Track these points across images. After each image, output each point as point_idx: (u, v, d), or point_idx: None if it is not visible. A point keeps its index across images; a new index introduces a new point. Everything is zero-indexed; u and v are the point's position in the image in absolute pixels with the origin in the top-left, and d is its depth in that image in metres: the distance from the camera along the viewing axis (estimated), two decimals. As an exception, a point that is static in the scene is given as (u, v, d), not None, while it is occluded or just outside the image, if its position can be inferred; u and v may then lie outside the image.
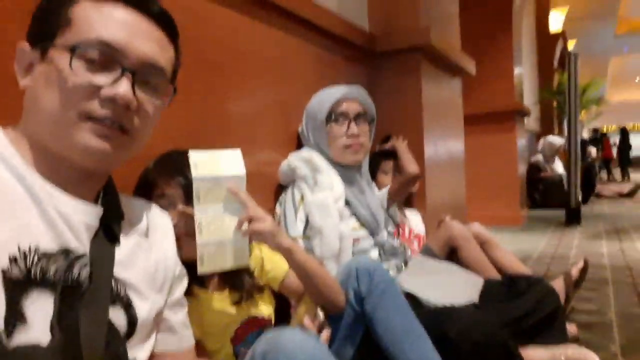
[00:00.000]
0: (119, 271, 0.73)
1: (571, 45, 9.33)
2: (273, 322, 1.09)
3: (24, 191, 0.66)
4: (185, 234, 0.96)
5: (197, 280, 1.02)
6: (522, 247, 3.42)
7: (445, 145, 2.50)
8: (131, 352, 0.74)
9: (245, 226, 0.91)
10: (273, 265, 1.09)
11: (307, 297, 0.98)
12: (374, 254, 1.52)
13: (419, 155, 2.03)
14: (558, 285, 1.74)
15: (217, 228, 0.91)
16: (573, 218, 4.49)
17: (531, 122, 6.68)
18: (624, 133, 14.19)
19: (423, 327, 1.07)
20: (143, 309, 0.76)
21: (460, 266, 1.75)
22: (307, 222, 1.40)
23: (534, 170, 5.74)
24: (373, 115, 1.60)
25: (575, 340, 1.64)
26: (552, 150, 6.02)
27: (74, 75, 0.67)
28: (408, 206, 1.99)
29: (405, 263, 1.60)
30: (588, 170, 6.41)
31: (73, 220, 0.69)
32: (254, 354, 0.79)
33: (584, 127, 13.97)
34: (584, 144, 8.69)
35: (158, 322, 0.82)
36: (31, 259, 0.63)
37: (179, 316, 0.86)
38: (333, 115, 1.51)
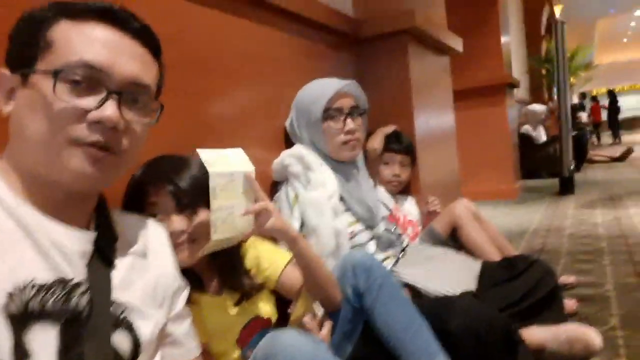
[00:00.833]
0: (117, 295, 0.73)
1: (558, 10, 9.25)
2: (275, 318, 1.10)
3: (14, 225, 0.65)
4: (188, 241, 0.96)
5: (196, 286, 1.02)
6: (518, 221, 3.45)
7: (436, 125, 2.49)
8: None
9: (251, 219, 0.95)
10: (270, 263, 1.10)
11: (304, 294, 0.99)
12: (371, 246, 1.52)
13: (410, 137, 2.02)
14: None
15: (230, 225, 0.93)
16: (567, 187, 4.53)
17: (521, 92, 6.67)
18: (612, 95, 14.21)
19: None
20: (146, 329, 0.76)
21: (457, 250, 1.77)
22: (302, 220, 1.40)
23: (524, 140, 5.75)
24: (366, 108, 1.60)
25: (574, 314, 1.67)
26: (535, 119, 6.04)
27: (58, 100, 0.66)
28: (402, 193, 1.99)
29: (403, 250, 1.61)
30: (579, 137, 6.44)
31: (67, 248, 0.69)
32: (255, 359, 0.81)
33: (574, 93, 13.97)
34: (574, 109, 8.70)
35: (162, 337, 0.83)
36: (28, 293, 0.63)
37: (182, 328, 0.87)
38: (329, 113, 1.50)
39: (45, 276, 0.65)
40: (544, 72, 8.34)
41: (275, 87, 1.65)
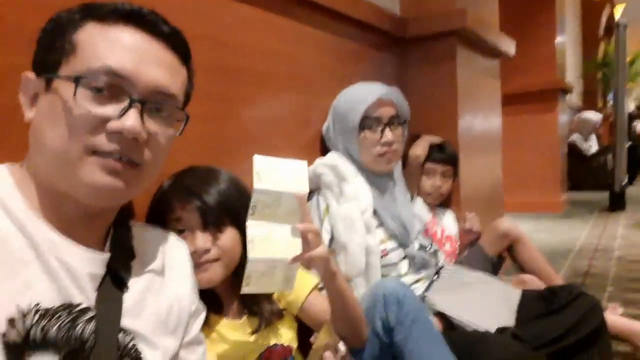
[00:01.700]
0: (127, 322, 0.69)
1: (619, 10, 8.71)
2: (296, 346, 1.04)
3: (25, 243, 0.62)
4: (211, 260, 0.91)
5: (214, 308, 0.98)
6: (562, 238, 3.27)
7: (481, 134, 2.36)
8: None
9: (298, 249, 0.84)
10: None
11: (327, 327, 0.92)
12: (404, 266, 1.44)
13: (453, 147, 1.91)
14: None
15: (270, 246, 0.83)
16: (617, 203, 4.27)
17: (573, 97, 6.32)
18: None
19: (455, 356, 1.01)
20: (154, 359, 0.71)
21: (494, 275, 1.67)
22: (332, 234, 1.34)
23: (572, 149, 5.45)
24: (407, 117, 1.50)
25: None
26: (588, 128, 5.69)
27: (78, 107, 0.62)
28: (441, 206, 1.89)
29: (437, 273, 1.52)
30: (633, 148, 6.05)
31: (77, 270, 0.65)
32: None
33: (631, 101, 13.24)
34: (630, 118, 8.21)
35: None
36: (31, 319, 0.60)
37: (195, 355, 0.82)
38: (367, 122, 1.41)
39: (52, 300, 0.62)
40: (599, 76, 7.89)
41: (313, 90, 1.58)
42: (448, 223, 1.87)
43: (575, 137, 5.65)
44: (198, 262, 0.89)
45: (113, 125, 0.63)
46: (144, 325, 0.71)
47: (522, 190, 4.18)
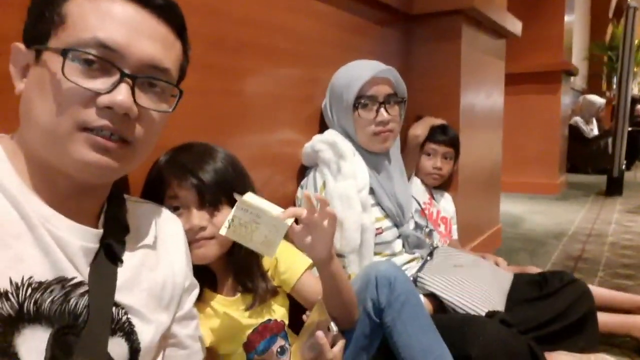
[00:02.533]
0: (120, 296, 0.69)
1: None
2: (287, 322, 1.05)
3: (17, 216, 0.61)
4: (207, 237, 0.91)
5: (208, 285, 0.98)
6: (557, 221, 3.28)
7: (483, 114, 2.34)
8: None
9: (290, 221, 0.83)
10: (287, 267, 1.04)
11: (319, 306, 0.93)
12: (398, 245, 1.45)
13: (454, 127, 1.90)
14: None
15: (247, 234, 0.82)
16: (614, 188, 4.27)
17: (578, 79, 6.25)
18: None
19: (443, 338, 1.03)
20: (147, 334, 0.72)
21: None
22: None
23: (573, 132, 5.42)
24: (404, 96, 1.47)
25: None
26: (591, 110, 5.64)
27: (67, 81, 0.60)
28: (439, 187, 1.88)
29: (431, 253, 1.53)
30: (635, 133, 6.02)
31: (70, 245, 0.64)
32: None
33: (636, 85, 13.08)
34: (634, 102, 8.14)
35: (166, 337, 0.79)
36: (24, 292, 0.59)
37: (188, 330, 0.83)
38: (361, 100, 1.39)
39: (44, 274, 0.61)
40: (605, 59, 7.78)
41: (313, 65, 1.54)
42: (445, 205, 1.87)
43: (578, 119, 5.61)
44: (193, 239, 0.89)
45: (103, 99, 0.61)
46: (138, 299, 0.72)
47: (519, 171, 4.18)
